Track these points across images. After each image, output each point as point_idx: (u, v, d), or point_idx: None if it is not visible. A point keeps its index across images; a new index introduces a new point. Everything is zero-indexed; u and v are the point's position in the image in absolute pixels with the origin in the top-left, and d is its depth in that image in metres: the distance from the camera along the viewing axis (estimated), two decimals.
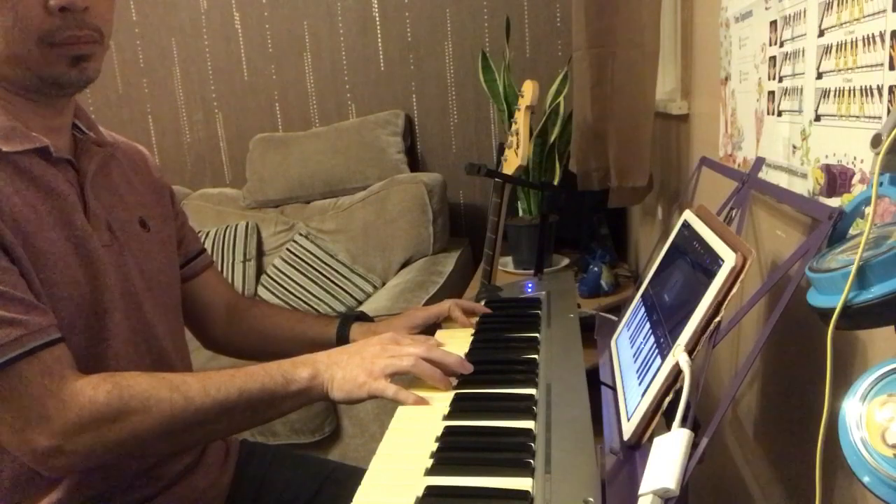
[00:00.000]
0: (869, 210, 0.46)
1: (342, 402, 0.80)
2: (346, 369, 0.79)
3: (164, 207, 1.00)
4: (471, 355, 0.92)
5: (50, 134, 0.80)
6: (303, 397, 0.80)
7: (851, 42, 0.60)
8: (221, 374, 0.78)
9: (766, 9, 0.83)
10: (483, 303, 1.13)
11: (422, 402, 0.77)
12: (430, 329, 1.06)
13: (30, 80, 0.77)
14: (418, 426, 0.71)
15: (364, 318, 1.11)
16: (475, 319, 1.05)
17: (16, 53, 0.74)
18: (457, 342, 0.95)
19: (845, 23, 0.61)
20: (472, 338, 0.98)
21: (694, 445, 0.53)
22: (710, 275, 0.63)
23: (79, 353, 0.78)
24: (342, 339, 1.06)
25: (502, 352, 0.92)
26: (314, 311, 2.30)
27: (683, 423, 0.56)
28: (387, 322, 1.08)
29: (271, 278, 2.40)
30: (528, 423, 0.70)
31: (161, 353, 0.91)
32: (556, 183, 1.92)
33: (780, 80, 0.79)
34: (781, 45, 0.78)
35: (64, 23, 0.74)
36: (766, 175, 0.84)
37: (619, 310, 1.10)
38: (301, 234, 2.46)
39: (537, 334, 0.95)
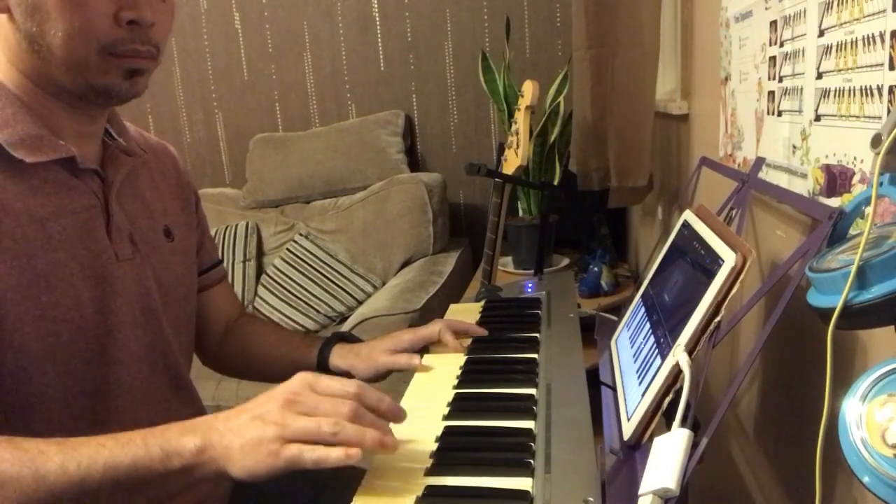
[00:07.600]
0: (869, 210, 0.46)
1: (246, 481, 0.62)
2: (244, 435, 0.61)
3: (188, 214, 0.98)
4: (471, 355, 0.92)
5: (80, 140, 0.79)
6: (190, 476, 0.62)
7: (851, 42, 0.60)
8: (90, 444, 0.62)
9: (766, 9, 0.83)
10: (483, 303, 1.13)
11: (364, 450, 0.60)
12: (418, 352, 0.98)
13: (81, 88, 0.76)
14: (418, 426, 0.71)
15: (350, 338, 1.05)
16: (468, 342, 0.97)
17: (74, 59, 0.73)
18: (446, 368, 0.89)
19: (845, 23, 0.61)
20: (464, 360, 0.91)
21: (694, 445, 0.53)
22: (710, 275, 0.63)
23: (79, 377, 0.76)
24: (322, 362, 1.01)
25: (502, 352, 0.92)
26: (314, 311, 2.30)
27: (683, 423, 0.56)
28: (370, 345, 1.00)
29: (271, 278, 2.40)
30: (528, 423, 0.70)
31: (176, 370, 0.89)
32: (556, 183, 1.92)
33: (780, 80, 0.79)
34: (781, 45, 0.78)
35: (129, 35, 0.74)
36: (766, 175, 0.84)
37: (619, 310, 1.10)
38: (301, 234, 2.46)
39: (537, 334, 0.95)
